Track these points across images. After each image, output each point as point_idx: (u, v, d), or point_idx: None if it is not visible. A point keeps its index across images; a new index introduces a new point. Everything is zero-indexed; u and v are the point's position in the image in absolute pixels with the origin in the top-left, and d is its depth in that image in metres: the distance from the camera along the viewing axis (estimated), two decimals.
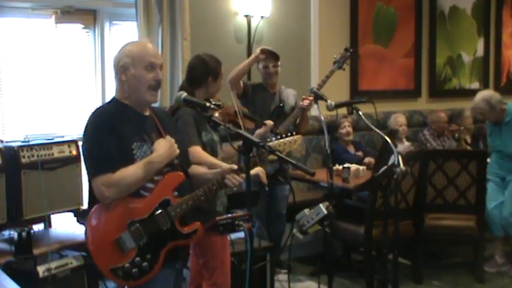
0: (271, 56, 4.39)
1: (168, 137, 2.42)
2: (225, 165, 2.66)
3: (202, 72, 3.17)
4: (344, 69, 4.46)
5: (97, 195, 2.31)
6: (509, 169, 4.74)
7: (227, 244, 3.16)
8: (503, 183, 4.81)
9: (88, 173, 2.37)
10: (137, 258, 2.31)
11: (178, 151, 2.43)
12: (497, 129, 4.84)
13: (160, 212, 2.36)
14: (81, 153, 2.45)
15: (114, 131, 2.30)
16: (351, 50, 4.46)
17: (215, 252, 3.05)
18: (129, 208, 2.33)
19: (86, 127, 2.38)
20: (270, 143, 2.67)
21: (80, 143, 3.63)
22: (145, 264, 2.32)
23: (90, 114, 2.41)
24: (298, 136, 2.85)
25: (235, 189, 2.67)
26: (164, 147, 2.37)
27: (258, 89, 4.50)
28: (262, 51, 4.31)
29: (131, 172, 2.29)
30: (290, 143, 2.80)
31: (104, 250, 2.29)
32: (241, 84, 4.39)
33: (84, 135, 2.38)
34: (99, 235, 2.31)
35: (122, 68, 2.39)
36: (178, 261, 2.55)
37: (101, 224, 2.32)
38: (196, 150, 2.89)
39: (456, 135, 5.76)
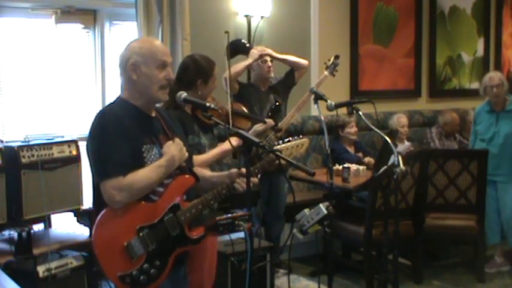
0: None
1: (177, 140, 2.37)
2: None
3: (192, 74, 3.08)
4: (334, 76, 4.59)
5: (107, 199, 2.23)
6: (495, 166, 4.72)
7: (215, 246, 3.13)
8: (494, 186, 4.81)
9: (96, 176, 2.29)
10: (145, 265, 2.25)
11: (187, 154, 2.39)
12: (493, 117, 4.87)
13: (169, 217, 2.29)
14: (87, 156, 2.34)
15: (123, 132, 2.24)
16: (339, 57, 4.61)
17: (196, 253, 2.93)
18: (138, 213, 2.26)
19: (93, 128, 2.28)
20: (277, 147, 2.65)
21: (80, 143, 3.64)
22: (153, 270, 2.26)
23: (96, 114, 2.32)
24: (305, 140, 2.81)
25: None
26: (174, 150, 2.32)
27: (250, 89, 4.47)
28: (261, 56, 4.35)
29: (143, 176, 2.23)
30: (297, 146, 2.76)
31: (113, 256, 2.22)
32: (237, 84, 4.37)
33: (91, 136, 2.29)
34: (107, 241, 2.23)
35: (132, 66, 2.31)
36: (182, 267, 2.48)
37: (109, 230, 2.25)
38: None
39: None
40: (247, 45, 4.50)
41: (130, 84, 2.35)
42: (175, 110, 2.97)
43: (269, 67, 4.43)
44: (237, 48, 4.41)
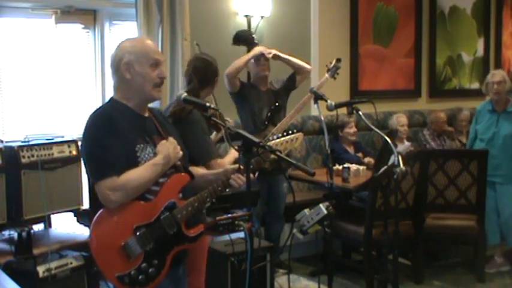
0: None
1: (171, 139, 2.37)
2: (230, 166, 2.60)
3: (212, 72, 3.30)
4: (335, 79, 4.60)
5: (102, 199, 2.24)
6: (494, 166, 4.71)
7: (206, 246, 3.15)
8: (493, 186, 4.81)
9: (91, 177, 2.30)
10: (144, 264, 2.24)
11: (181, 153, 2.39)
12: (494, 117, 4.87)
13: (166, 216, 2.29)
14: (82, 157, 2.37)
15: (116, 132, 2.24)
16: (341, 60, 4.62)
17: (196, 253, 2.97)
18: (135, 212, 2.26)
19: (86, 129, 2.29)
20: (270, 142, 2.65)
21: (80, 143, 3.64)
22: (151, 270, 2.26)
23: (89, 116, 2.33)
24: (300, 134, 2.78)
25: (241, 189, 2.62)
26: (168, 149, 2.32)
27: (250, 89, 4.49)
28: (262, 55, 4.40)
29: (137, 175, 2.23)
30: (292, 141, 2.73)
31: (110, 257, 2.22)
32: (238, 81, 4.39)
33: (84, 138, 2.30)
34: (104, 241, 2.24)
35: (125, 66, 2.30)
36: (181, 266, 2.48)
37: (105, 230, 2.25)
38: (219, 163, 2.89)
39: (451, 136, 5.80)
40: (256, 41, 4.54)
41: (124, 84, 2.34)
42: (197, 110, 3.07)
43: (263, 65, 4.43)
44: (245, 38, 4.46)
